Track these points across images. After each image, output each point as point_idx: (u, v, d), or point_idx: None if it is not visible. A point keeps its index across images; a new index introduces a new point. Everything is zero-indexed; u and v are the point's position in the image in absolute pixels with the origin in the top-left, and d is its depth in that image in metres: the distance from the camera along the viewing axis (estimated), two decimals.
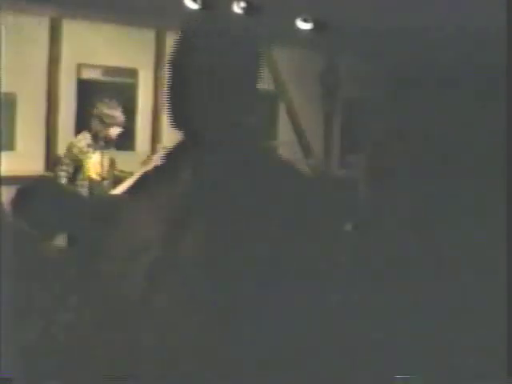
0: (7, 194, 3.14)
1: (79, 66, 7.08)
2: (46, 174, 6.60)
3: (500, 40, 3.39)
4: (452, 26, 5.87)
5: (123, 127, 5.72)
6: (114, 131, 5.61)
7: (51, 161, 6.89)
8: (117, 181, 5.55)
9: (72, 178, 5.43)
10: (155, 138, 7.56)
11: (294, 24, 7.01)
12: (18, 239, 2.46)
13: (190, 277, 1.48)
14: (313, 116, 8.67)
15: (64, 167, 5.45)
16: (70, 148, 5.54)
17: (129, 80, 7.46)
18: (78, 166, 5.45)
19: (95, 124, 5.52)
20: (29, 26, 6.65)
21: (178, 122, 1.62)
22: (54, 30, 6.87)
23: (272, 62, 8.31)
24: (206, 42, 1.60)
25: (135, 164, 6.77)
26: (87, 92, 7.13)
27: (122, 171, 5.81)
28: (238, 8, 6.58)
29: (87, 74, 7.17)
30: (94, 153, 5.50)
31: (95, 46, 7.06)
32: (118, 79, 7.38)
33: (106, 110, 5.57)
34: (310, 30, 7.04)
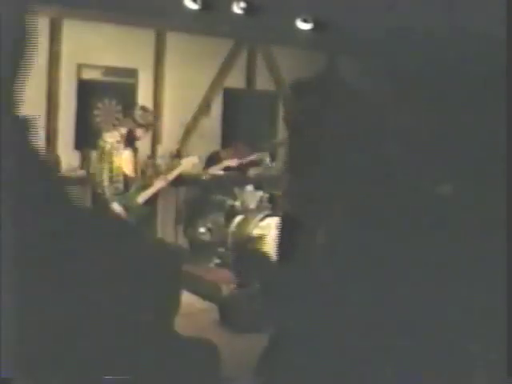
0: None
1: (79, 66, 7.08)
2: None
3: (500, 40, 3.39)
4: (452, 26, 5.87)
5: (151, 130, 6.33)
6: (140, 132, 5.98)
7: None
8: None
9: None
10: (155, 138, 7.56)
11: (293, 24, 7.01)
12: None
13: None
14: None
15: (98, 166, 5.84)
16: (100, 143, 5.91)
17: (129, 80, 7.46)
18: (110, 163, 5.79)
19: (127, 123, 5.93)
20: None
21: None
22: (53, 30, 6.86)
23: (272, 61, 8.32)
24: None
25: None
26: (87, 92, 7.14)
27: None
28: (237, 8, 6.58)
29: (87, 74, 7.17)
30: (124, 149, 5.84)
31: (95, 46, 7.06)
32: (117, 79, 7.39)
33: (140, 112, 6.00)
34: (310, 29, 7.04)
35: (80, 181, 6.25)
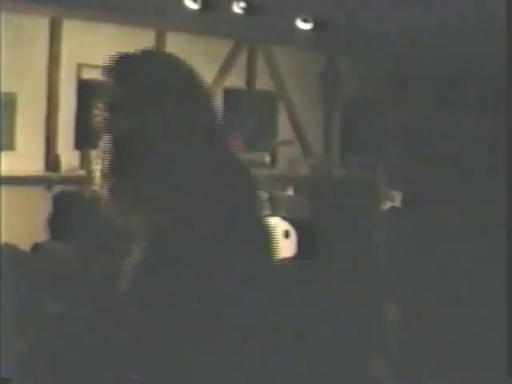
0: None
1: (79, 66, 7.07)
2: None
3: (500, 40, 3.39)
4: (452, 26, 5.86)
5: None
6: None
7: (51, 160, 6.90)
8: None
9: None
10: None
11: (294, 24, 7.01)
12: None
13: None
14: (313, 116, 8.67)
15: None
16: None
17: None
18: None
19: None
20: (29, 25, 6.65)
21: None
22: (53, 30, 6.86)
23: (272, 61, 8.32)
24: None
25: None
26: (87, 92, 7.13)
27: None
28: (237, 8, 6.58)
29: (87, 74, 7.16)
30: None
31: (95, 46, 7.05)
32: None
33: None
34: (310, 29, 7.04)
35: (80, 181, 6.24)
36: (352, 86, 8.64)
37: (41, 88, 6.83)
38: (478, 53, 6.16)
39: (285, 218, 6.53)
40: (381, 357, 3.56)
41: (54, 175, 6.78)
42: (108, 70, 1.67)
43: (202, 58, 7.74)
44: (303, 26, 6.99)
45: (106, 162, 1.60)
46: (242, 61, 8.18)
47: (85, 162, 6.90)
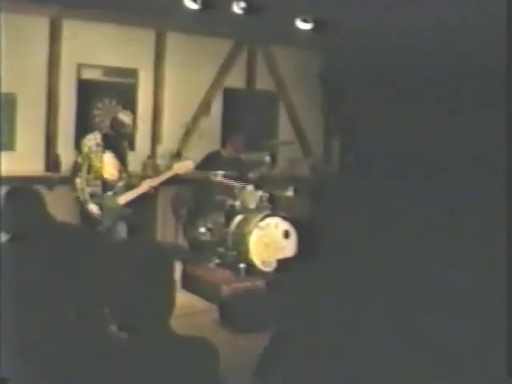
0: None
1: (79, 66, 7.08)
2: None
3: (500, 40, 3.39)
4: (452, 26, 5.86)
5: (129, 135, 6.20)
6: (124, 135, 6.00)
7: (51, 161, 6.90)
8: (128, 184, 5.93)
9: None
10: (155, 138, 7.56)
11: (294, 24, 7.01)
12: None
13: None
14: (313, 116, 8.67)
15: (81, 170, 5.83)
16: (81, 147, 5.87)
17: (129, 80, 7.46)
18: (89, 165, 5.78)
19: (105, 125, 5.90)
20: (29, 25, 6.65)
21: None
22: (53, 30, 6.86)
23: (272, 61, 8.32)
24: None
25: (135, 164, 6.80)
26: (87, 92, 7.14)
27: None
28: (237, 8, 6.57)
29: (87, 74, 7.17)
30: (103, 152, 5.79)
31: (95, 46, 7.06)
32: (118, 79, 7.38)
33: (121, 116, 5.97)
34: (310, 29, 7.03)
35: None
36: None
37: (41, 88, 6.83)
38: (478, 53, 6.16)
39: (285, 218, 6.53)
40: (381, 357, 3.56)
41: (54, 175, 6.78)
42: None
43: (202, 57, 7.76)
44: (303, 26, 6.98)
45: None
46: (242, 61, 8.18)
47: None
